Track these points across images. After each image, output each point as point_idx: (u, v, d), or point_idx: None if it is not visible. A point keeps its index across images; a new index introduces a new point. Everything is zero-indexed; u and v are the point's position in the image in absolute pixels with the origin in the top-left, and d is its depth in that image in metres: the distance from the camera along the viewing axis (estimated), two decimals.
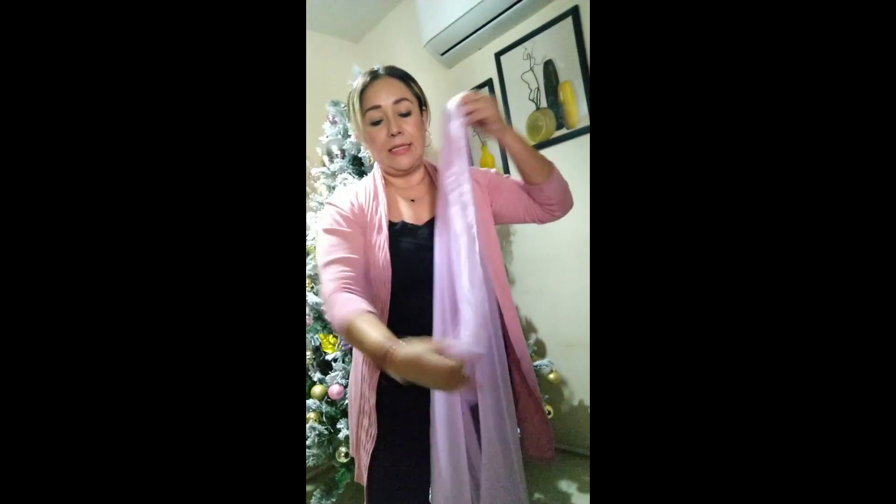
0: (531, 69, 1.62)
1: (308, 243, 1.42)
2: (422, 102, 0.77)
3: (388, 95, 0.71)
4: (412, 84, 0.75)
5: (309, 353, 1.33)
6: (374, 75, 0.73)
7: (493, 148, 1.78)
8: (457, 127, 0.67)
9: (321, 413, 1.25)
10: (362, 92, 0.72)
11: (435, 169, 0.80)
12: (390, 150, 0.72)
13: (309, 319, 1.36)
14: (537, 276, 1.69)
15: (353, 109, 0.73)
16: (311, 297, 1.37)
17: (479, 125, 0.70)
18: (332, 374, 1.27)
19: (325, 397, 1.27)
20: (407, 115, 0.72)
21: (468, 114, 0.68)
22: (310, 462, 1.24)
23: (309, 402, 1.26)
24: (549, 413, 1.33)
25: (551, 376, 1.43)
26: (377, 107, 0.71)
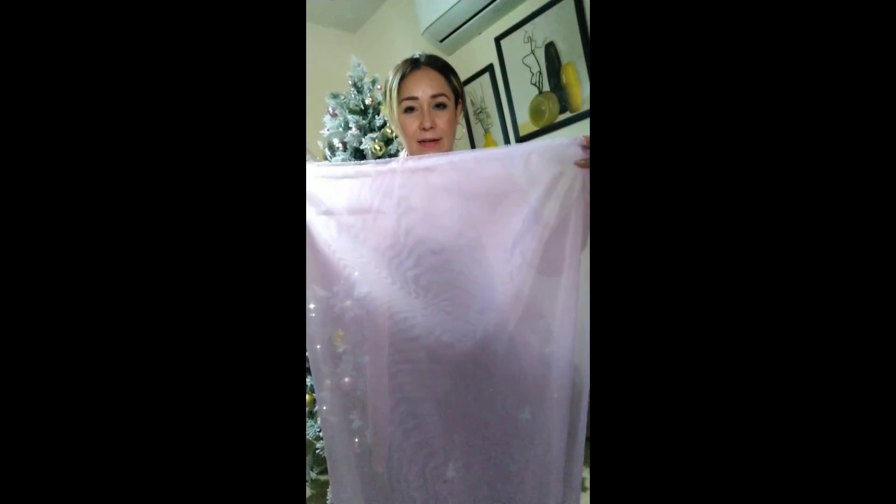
0: (532, 52, 1.59)
1: None
2: (458, 96, 0.76)
3: (426, 87, 0.71)
4: (451, 77, 0.75)
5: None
6: (414, 64, 0.73)
7: (497, 135, 1.76)
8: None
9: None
10: (401, 80, 0.72)
11: None
12: (420, 142, 0.72)
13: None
14: None
15: (390, 96, 0.74)
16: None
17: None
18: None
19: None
20: (443, 107, 0.72)
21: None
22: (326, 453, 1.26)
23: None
24: None
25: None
26: (414, 97, 0.71)
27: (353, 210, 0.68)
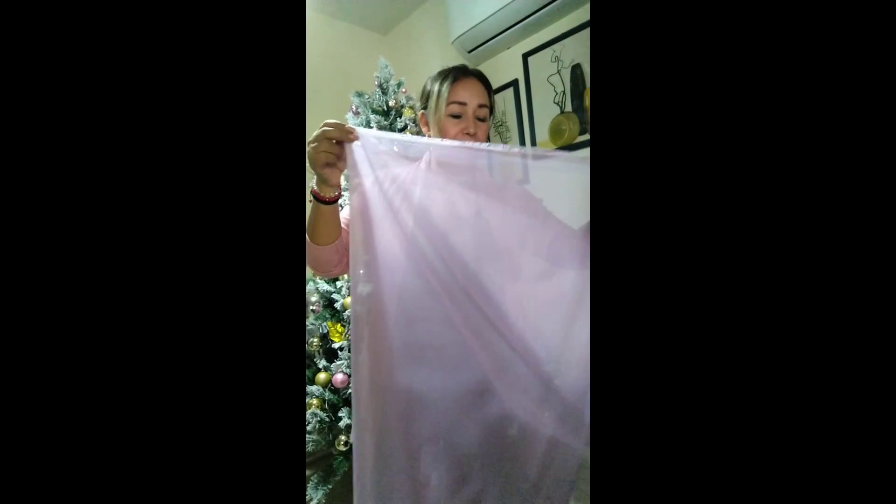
0: (558, 72, 1.60)
1: None
2: (492, 111, 0.80)
3: (475, 97, 0.74)
4: (491, 95, 0.79)
5: (316, 341, 1.34)
6: (465, 72, 0.76)
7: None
8: None
9: (324, 400, 1.26)
10: (454, 83, 0.74)
11: None
12: None
13: (318, 307, 1.38)
14: None
15: (438, 96, 0.75)
16: (322, 285, 1.38)
17: None
18: (338, 363, 1.29)
19: (328, 385, 1.28)
20: (483, 120, 0.75)
21: None
22: (309, 447, 1.26)
23: (312, 388, 1.27)
24: None
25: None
26: (463, 103, 0.73)
27: (374, 202, 0.68)
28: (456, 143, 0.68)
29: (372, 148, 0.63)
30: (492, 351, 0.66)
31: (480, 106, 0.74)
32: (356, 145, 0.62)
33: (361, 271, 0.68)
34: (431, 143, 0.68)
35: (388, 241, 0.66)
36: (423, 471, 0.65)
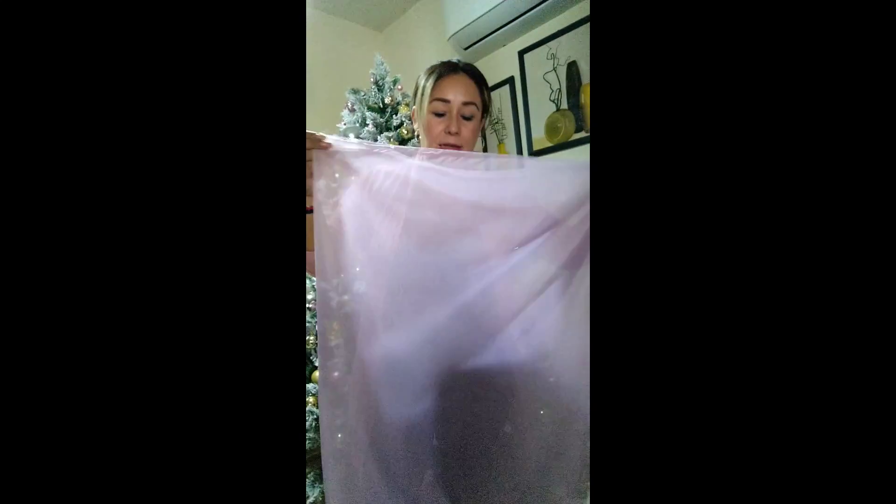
0: (554, 69, 1.60)
1: None
2: (485, 108, 0.78)
3: (459, 93, 0.72)
4: (484, 89, 0.76)
5: (312, 339, 1.34)
6: (453, 68, 0.74)
7: (510, 146, 1.77)
8: None
9: None
10: (437, 80, 0.72)
11: None
12: (441, 145, 0.73)
13: (314, 304, 1.37)
14: None
15: (422, 94, 0.74)
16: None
17: None
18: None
19: None
20: (469, 118, 0.73)
21: None
22: (307, 445, 1.25)
23: (309, 386, 1.27)
24: None
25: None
26: (446, 101, 0.71)
27: (365, 201, 0.67)
28: (416, 158, 0.63)
29: (350, 152, 0.62)
30: (483, 346, 0.66)
31: (465, 104, 0.72)
32: (330, 152, 0.60)
33: (357, 269, 0.68)
34: (395, 153, 0.64)
35: (383, 238, 0.65)
36: (410, 468, 0.65)
